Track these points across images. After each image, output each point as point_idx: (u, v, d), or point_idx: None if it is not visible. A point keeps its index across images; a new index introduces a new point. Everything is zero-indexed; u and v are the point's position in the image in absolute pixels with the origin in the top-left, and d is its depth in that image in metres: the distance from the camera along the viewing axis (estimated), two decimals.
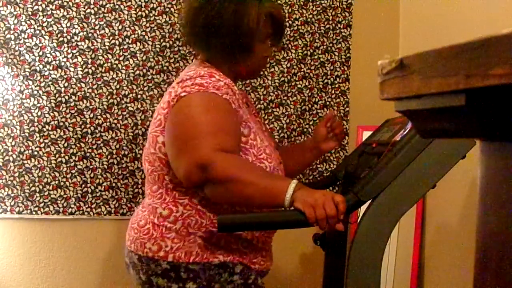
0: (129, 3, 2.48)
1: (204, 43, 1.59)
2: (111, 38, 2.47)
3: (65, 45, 2.43)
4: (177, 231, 1.48)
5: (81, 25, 2.44)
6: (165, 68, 2.50)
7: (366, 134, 2.34)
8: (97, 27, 2.46)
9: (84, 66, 2.44)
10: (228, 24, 1.53)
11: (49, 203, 2.41)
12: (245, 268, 1.52)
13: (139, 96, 2.48)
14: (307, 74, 2.65)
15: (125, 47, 2.48)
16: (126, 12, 2.48)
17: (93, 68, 2.45)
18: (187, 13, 1.61)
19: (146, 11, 2.50)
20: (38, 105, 2.40)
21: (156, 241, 1.48)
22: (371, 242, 1.51)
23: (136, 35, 2.49)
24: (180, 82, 1.50)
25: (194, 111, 1.45)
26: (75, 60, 2.43)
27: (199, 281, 1.47)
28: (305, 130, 2.65)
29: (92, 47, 2.45)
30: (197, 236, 1.48)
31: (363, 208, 1.52)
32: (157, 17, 2.51)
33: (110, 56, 2.47)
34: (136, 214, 1.60)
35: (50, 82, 2.41)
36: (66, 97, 2.42)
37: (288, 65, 2.63)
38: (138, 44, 2.49)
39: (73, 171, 2.43)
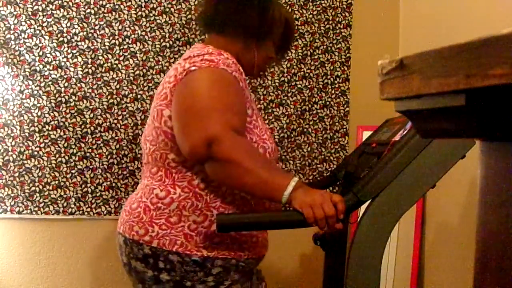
0: (129, 3, 2.49)
1: (226, 20, 1.60)
2: (111, 38, 2.47)
3: (65, 45, 2.43)
4: (168, 216, 1.46)
5: (81, 25, 2.44)
6: (165, 68, 2.50)
7: (366, 134, 2.34)
8: (97, 27, 2.46)
9: (84, 66, 2.44)
10: (254, 7, 1.59)
11: (49, 203, 2.41)
12: (224, 270, 1.48)
13: (139, 96, 2.48)
14: (307, 74, 2.65)
15: (125, 47, 2.48)
16: (126, 12, 2.48)
17: (93, 68, 2.45)
18: None
19: (146, 11, 2.50)
20: (38, 105, 2.40)
21: (144, 225, 1.47)
22: (371, 242, 1.51)
23: (136, 35, 2.49)
24: (188, 58, 1.50)
25: (205, 85, 1.44)
26: (75, 60, 2.43)
27: (173, 274, 1.46)
28: (305, 130, 2.65)
29: (92, 47, 2.45)
30: (187, 224, 1.46)
31: (363, 208, 1.52)
32: (157, 17, 2.51)
33: (110, 56, 2.47)
34: (130, 198, 1.60)
35: (50, 82, 2.41)
36: (66, 97, 2.42)
37: (288, 65, 2.63)
38: (138, 44, 2.49)
39: (73, 171, 2.43)
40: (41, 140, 2.40)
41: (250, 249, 1.53)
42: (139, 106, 2.48)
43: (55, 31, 2.42)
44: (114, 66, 2.47)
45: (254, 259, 1.56)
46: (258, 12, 1.59)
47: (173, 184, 1.48)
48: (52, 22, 2.42)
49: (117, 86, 2.47)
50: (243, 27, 1.59)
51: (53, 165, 2.41)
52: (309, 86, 2.65)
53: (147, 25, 2.50)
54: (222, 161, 1.36)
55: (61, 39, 2.43)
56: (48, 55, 2.41)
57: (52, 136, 2.42)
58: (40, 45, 2.40)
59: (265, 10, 1.60)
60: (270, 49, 1.66)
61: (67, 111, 2.42)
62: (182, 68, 1.47)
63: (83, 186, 2.44)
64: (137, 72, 2.48)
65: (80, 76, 2.44)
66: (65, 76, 2.42)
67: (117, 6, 2.48)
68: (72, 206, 2.43)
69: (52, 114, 2.41)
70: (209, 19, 1.65)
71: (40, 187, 2.40)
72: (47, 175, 2.41)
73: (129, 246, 1.51)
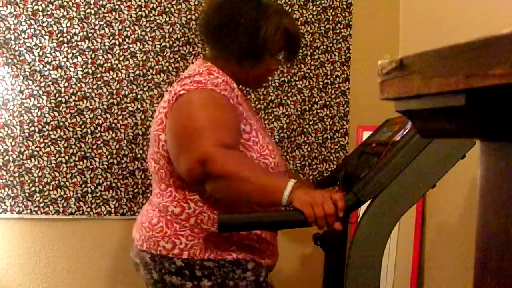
0: (129, 3, 2.48)
1: (217, 41, 1.59)
2: (111, 38, 2.47)
3: (65, 45, 2.43)
4: (191, 228, 1.49)
5: (81, 25, 2.44)
6: (165, 68, 2.50)
7: (366, 134, 2.34)
8: (97, 27, 2.46)
9: (84, 66, 2.44)
10: (245, 28, 1.54)
11: (49, 203, 2.41)
12: (256, 265, 1.54)
13: (139, 96, 2.48)
14: (307, 74, 2.65)
15: (125, 47, 2.48)
16: (126, 12, 2.48)
17: (93, 68, 2.45)
18: (208, 7, 1.62)
19: (146, 11, 2.50)
20: (38, 105, 2.40)
21: (170, 239, 1.48)
22: (371, 242, 1.51)
23: (136, 35, 2.49)
24: (180, 81, 1.53)
25: (192, 107, 1.46)
26: (75, 60, 2.43)
27: (214, 278, 1.48)
28: (305, 130, 2.65)
29: (92, 47, 2.45)
30: (210, 232, 1.49)
31: (363, 208, 1.52)
32: (157, 17, 2.51)
33: (110, 56, 2.46)
34: (146, 213, 1.58)
35: (50, 82, 2.41)
36: (66, 97, 2.42)
37: (288, 65, 2.62)
38: (138, 44, 2.49)
39: (73, 171, 2.43)
40: (41, 140, 2.40)
41: (270, 257, 1.59)
42: (139, 106, 2.48)
43: (55, 31, 2.42)
44: (114, 66, 2.47)
45: (271, 266, 1.63)
46: (248, 35, 1.53)
47: (185, 199, 1.51)
48: (52, 22, 2.42)
49: (117, 86, 2.47)
50: (234, 51, 1.56)
51: (53, 165, 2.41)
52: (309, 86, 2.65)
53: (147, 25, 2.50)
54: (218, 177, 1.38)
55: (61, 39, 2.42)
56: (48, 55, 2.41)
57: (52, 136, 2.42)
58: (40, 45, 2.40)
59: (257, 31, 1.54)
60: (270, 62, 1.63)
61: (67, 111, 2.42)
62: (174, 92, 1.50)
63: (83, 186, 2.44)
64: (137, 72, 2.48)
65: (80, 76, 2.43)
66: (65, 76, 2.42)
67: (117, 6, 2.48)
68: (72, 206, 2.43)
69: (52, 114, 2.41)
70: (203, 35, 1.66)
71: (40, 187, 2.40)
72: (47, 175, 2.41)
73: (158, 262, 1.50)
